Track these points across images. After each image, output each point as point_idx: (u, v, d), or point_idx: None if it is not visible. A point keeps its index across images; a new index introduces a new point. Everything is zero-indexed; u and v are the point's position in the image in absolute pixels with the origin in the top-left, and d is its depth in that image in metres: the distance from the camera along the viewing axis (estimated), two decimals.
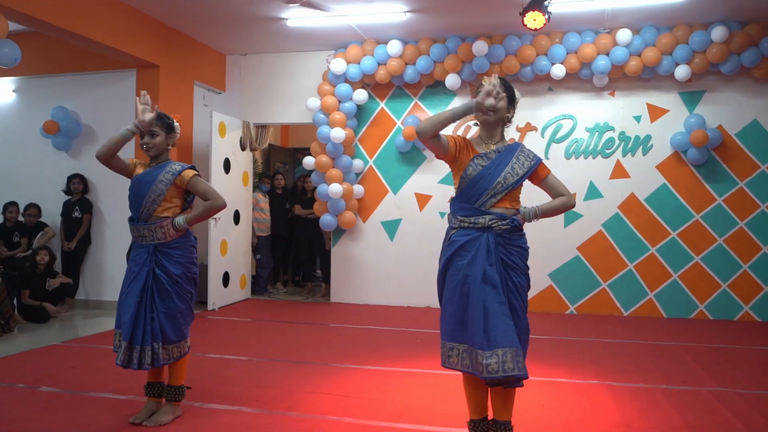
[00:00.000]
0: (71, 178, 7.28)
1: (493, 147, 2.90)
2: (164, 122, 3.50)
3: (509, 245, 2.79)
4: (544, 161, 3.21)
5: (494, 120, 2.87)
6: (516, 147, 2.91)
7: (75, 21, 5.77)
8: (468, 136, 2.99)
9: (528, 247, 2.89)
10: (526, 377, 2.67)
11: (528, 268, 2.87)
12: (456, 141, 2.87)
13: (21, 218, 7.31)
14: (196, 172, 3.49)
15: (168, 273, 3.39)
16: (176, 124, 3.60)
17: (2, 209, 7.17)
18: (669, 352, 5.32)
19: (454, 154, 2.85)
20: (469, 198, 2.82)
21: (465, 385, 2.96)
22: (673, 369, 4.76)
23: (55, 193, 7.38)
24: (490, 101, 2.78)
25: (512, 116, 2.98)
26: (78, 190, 7.26)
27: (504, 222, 2.78)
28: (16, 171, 7.74)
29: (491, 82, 2.84)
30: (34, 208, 7.34)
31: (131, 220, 3.49)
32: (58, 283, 6.81)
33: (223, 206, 3.47)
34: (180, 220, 3.41)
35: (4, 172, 7.78)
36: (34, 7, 5.33)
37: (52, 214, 7.48)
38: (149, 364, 3.31)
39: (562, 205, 2.94)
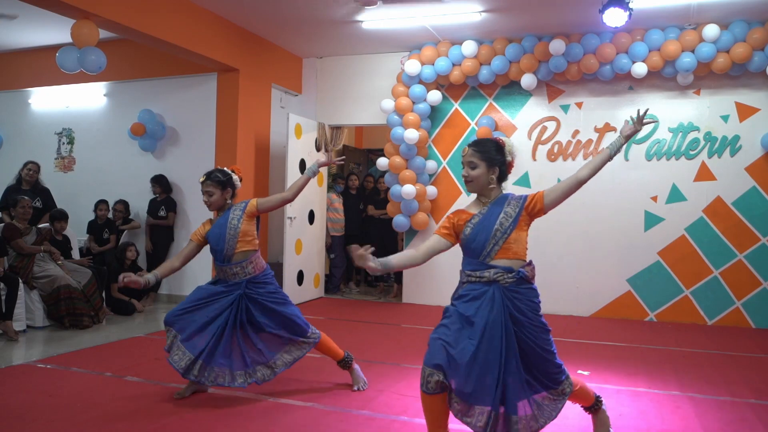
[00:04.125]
0: (152, 181, 7.57)
1: (488, 206, 2.90)
2: (217, 180, 3.88)
3: (516, 299, 2.75)
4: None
5: (478, 186, 2.90)
6: (504, 198, 2.90)
7: (160, 28, 6.04)
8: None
9: (539, 301, 2.82)
10: None
11: (540, 318, 2.81)
12: (450, 226, 2.93)
13: (110, 215, 7.70)
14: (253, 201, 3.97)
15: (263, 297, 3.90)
16: (235, 177, 3.99)
17: (94, 207, 7.57)
18: (758, 365, 5.04)
19: (456, 235, 2.92)
20: (473, 252, 2.84)
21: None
22: (763, 383, 4.50)
23: (141, 193, 7.73)
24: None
25: (504, 171, 2.92)
26: (157, 192, 7.55)
27: (510, 275, 2.76)
28: (105, 171, 8.16)
29: (465, 153, 2.91)
30: (120, 204, 7.72)
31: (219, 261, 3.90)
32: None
33: (289, 200, 4.03)
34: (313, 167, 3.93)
35: (95, 171, 8.23)
36: (122, 16, 5.62)
37: (138, 212, 7.85)
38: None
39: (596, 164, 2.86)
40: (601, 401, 3.20)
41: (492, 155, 2.88)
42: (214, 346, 3.71)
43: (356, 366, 4.19)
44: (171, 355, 3.74)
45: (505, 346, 2.69)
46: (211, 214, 4.12)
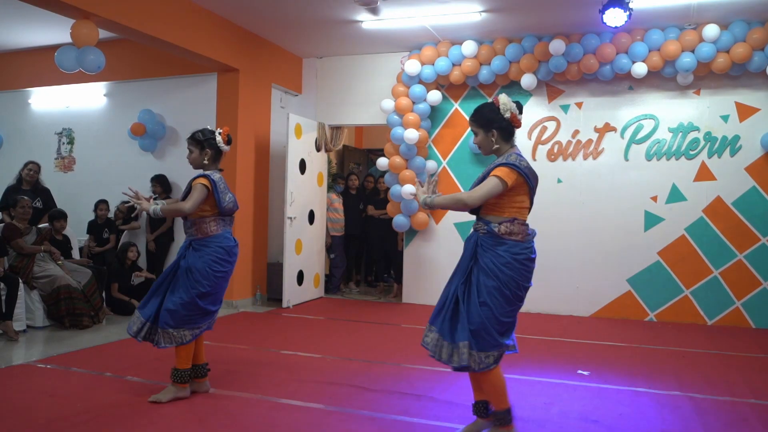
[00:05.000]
0: (152, 180, 7.56)
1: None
2: (195, 140, 3.95)
3: (486, 249, 3.05)
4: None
5: (486, 150, 3.20)
6: (507, 157, 3.11)
7: (160, 28, 6.04)
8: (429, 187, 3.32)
9: (505, 256, 3.01)
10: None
11: (499, 272, 3.00)
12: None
13: (110, 215, 7.69)
14: (202, 180, 3.82)
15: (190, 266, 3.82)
16: (219, 138, 3.97)
17: (94, 206, 7.57)
18: (758, 365, 5.05)
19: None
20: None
21: (497, 373, 3.10)
22: (763, 383, 4.51)
23: (141, 192, 7.68)
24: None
25: (506, 128, 3.12)
26: (158, 191, 7.56)
27: (485, 228, 3.08)
28: (105, 171, 8.16)
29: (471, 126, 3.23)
30: (124, 205, 7.72)
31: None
32: (143, 278, 7.14)
33: (183, 212, 3.78)
34: (156, 207, 3.85)
35: (95, 172, 8.24)
36: (122, 16, 5.62)
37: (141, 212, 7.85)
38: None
39: (452, 199, 3.21)
40: (512, 418, 3.09)
41: (487, 118, 3.11)
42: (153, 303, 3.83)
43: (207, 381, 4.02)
44: (129, 326, 3.91)
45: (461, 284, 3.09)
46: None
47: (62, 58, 5.49)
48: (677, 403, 3.98)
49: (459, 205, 3.18)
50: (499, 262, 3.01)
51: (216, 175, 3.89)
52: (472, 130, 3.19)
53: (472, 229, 3.22)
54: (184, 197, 3.86)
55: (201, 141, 3.94)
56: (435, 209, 3.14)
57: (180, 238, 7.67)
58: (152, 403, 3.73)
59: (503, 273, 2.99)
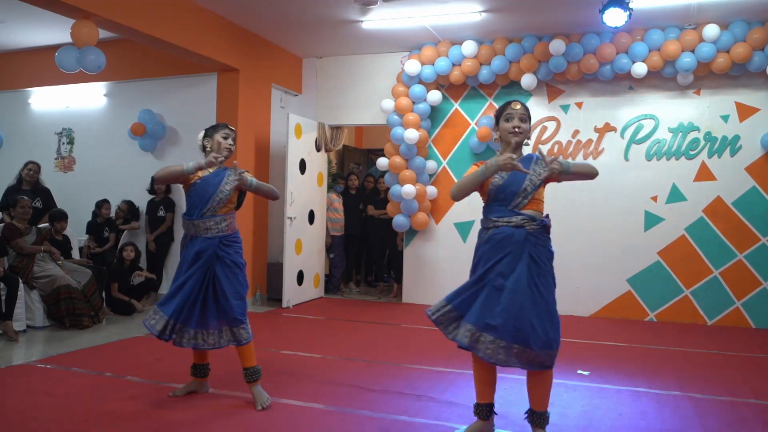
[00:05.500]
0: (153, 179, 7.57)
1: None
2: (234, 132, 3.86)
3: (538, 245, 3.08)
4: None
5: (523, 139, 3.18)
6: (531, 157, 3.20)
7: (160, 28, 6.04)
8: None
9: (552, 251, 3.17)
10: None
11: (553, 269, 3.17)
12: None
13: (112, 215, 7.70)
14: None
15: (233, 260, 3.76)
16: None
17: (95, 206, 7.58)
18: (758, 365, 5.05)
19: None
20: (502, 202, 3.12)
21: (480, 368, 3.18)
22: (763, 383, 4.51)
23: (141, 193, 7.73)
24: (511, 166, 2.99)
25: (530, 135, 3.33)
26: (161, 190, 7.57)
27: (534, 223, 3.07)
28: (105, 171, 8.16)
29: (517, 107, 3.16)
30: (125, 204, 7.75)
31: (189, 216, 3.78)
32: (142, 277, 7.14)
33: (275, 195, 3.98)
34: (252, 180, 3.81)
35: (95, 172, 8.24)
36: (122, 16, 5.62)
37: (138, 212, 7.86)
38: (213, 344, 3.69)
39: (587, 167, 3.20)
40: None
41: (530, 116, 3.25)
42: (190, 307, 3.65)
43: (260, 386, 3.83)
44: (147, 320, 3.68)
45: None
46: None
47: (63, 59, 5.48)
48: (677, 403, 3.98)
49: (590, 174, 3.21)
50: (549, 258, 3.13)
51: None
52: (522, 114, 3.15)
53: (495, 228, 3.10)
54: (201, 200, 3.72)
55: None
56: (568, 174, 3.08)
57: (180, 238, 7.63)
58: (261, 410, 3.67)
59: (552, 268, 3.14)
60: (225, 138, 3.78)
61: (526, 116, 3.16)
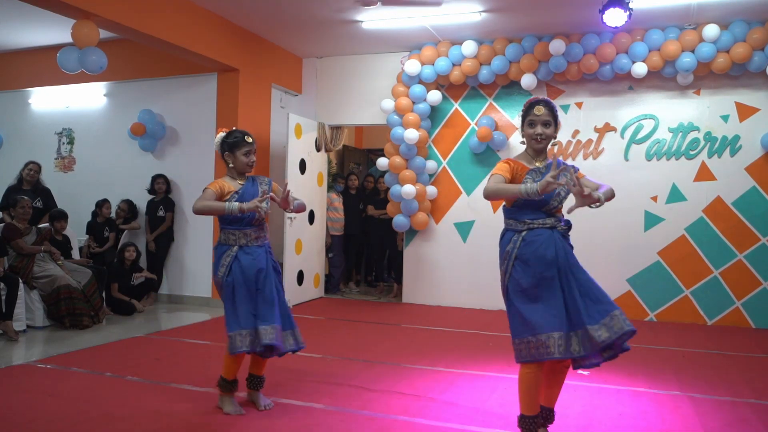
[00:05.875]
0: (155, 178, 7.58)
1: (541, 164, 3.16)
2: (254, 145, 3.76)
3: (566, 243, 3.17)
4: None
5: (547, 144, 3.15)
6: (558, 164, 3.02)
7: (160, 28, 6.04)
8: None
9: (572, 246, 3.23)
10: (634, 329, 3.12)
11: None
12: (511, 169, 3.10)
13: (112, 215, 7.70)
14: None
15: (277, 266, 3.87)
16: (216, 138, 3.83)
17: (95, 206, 7.57)
18: (758, 365, 5.04)
19: (511, 181, 3.09)
20: (533, 204, 3.07)
21: (534, 379, 3.14)
22: (763, 383, 4.51)
23: (141, 193, 7.73)
24: (552, 188, 2.87)
25: (557, 134, 3.21)
26: (162, 190, 7.57)
27: (563, 224, 3.15)
28: (105, 171, 8.16)
29: (540, 113, 3.09)
30: (125, 203, 7.75)
31: (237, 223, 3.62)
32: (143, 277, 7.14)
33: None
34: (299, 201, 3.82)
35: (95, 172, 8.23)
36: (122, 16, 5.62)
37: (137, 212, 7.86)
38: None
39: (612, 193, 3.10)
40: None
41: (557, 114, 3.15)
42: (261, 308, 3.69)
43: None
44: (231, 345, 3.51)
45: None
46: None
47: (65, 59, 5.48)
48: (677, 403, 3.98)
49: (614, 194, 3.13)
50: (571, 251, 3.18)
51: None
52: (545, 120, 3.07)
53: (530, 229, 3.07)
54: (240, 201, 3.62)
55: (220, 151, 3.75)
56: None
57: (180, 238, 7.66)
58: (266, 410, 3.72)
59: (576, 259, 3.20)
60: (246, 155, 3.66)
61: (550, 120, 3.08)
